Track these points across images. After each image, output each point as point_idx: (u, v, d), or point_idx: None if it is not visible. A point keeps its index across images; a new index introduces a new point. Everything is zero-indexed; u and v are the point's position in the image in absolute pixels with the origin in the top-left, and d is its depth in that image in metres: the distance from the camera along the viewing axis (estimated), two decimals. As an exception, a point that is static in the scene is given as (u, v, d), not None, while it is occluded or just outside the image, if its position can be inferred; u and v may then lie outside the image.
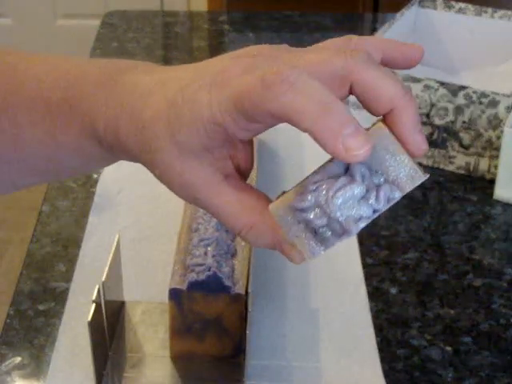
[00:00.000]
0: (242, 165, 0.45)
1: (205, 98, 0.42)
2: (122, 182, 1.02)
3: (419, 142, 0.41)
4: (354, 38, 0.44)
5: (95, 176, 1.04)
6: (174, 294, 0.73)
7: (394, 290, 0.88)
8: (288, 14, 1.61)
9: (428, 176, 0.41)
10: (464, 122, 1.06)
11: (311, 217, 0.41)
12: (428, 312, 0.85)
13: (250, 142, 0.45)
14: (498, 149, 1.03)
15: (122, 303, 0.83)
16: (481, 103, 1.04)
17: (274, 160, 1.08)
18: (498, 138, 1.04)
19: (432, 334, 0.82)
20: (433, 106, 1.07)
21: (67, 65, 0.49)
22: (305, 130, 0.39)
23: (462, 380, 0.77)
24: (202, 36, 1.59)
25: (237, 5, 2.30)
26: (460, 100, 1.05)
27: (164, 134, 0.43)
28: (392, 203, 0.41)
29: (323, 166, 0.42)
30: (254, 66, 0.42)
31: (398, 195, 0.41)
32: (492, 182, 1.04)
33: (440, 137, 1.08)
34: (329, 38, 0.45)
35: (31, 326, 0.82)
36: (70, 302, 0.84)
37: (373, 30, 1.52)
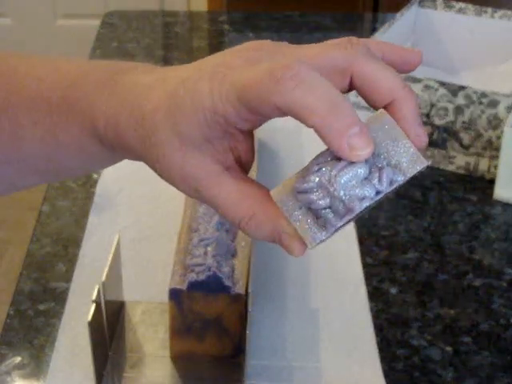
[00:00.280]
0: (243, 157, 0.45)
1: (206, 88, 0.42)
2: (122, 181, 1.02)
3: (420, 134, 0.42)
4: (353, 39, 0.44)
5: (95, 176, 1.04)
6: (174, 294, 0.73)
7: (394, 290, 0.88)
8: (288, 14, 1.61)
9: (430, 162, 0.42)
10: (464, 122, 1.06)
11: (314, 198, 0.41)
12: (428, 312, 0.85)
13: (251, 134, 0.45)
14: (498, 149, 1.03)
15: (122, 303, 0.83)
16: (481, 103, 1.04)
17: (274, 160, 1.08)
18: (498, 138, 1.04)
19: (432, 334, 0.82)
20: (433, 106, 1.07)
21: (67, 66, 0.50)
22: (311, 126, 0.40)
23: (462, 380, 0.77)
24: (202, 36, 1.59)
25: (237, 5, 2.30)
26: (460, 100, 1.05)
27: (164, 126, 0.43)
28: (395, 186, 0.41)
29: (325, 151, 0.42)
30: (256, 58, 0.42)
31: (400, 178, 0.41)
32: (492, 182, 1.04)
33: (440, 137, 1.08)
34: (329, 38, 0.45)
35: (31, 325, 0.82)
36: (69, 302, 0.84)
37: (373, 30, 1.51)
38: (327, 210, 0.41)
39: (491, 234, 0.98)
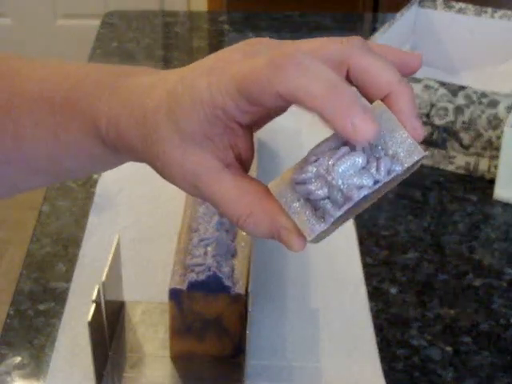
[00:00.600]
0: (243, 154, 0.45)
1: (204, 82, 0.42)
2: (122, 182, 1.02)
3: (416, 127, 0.42)
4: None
5: (95, 176, 1.04)
6: (174, 294, 0.73)
7: (394, 290, 0.88)
8: (288, 14, 1.61)
9: (427, 153, 0.42)
10: (464, 122, 1.06)
11: (312, 188, 0.41)
12: (428, 312, 0.85)
13: (251, 131, 0.45)
14: (498, 149, 1.03)
15: (122, 303, 0.83)
16: (481, 103, 1.04)
17: (274, 160, 1.08)
18: (498, 138, 1.04)
19: (432, 334, 0.82)
20: (433, 106, 1.07)
21: (69, 68, 0.50)
22: (314, 110, 0.40)
23: (461, 380, 0.77)
24: (202, 36, 1.59)
25: (237, 5, 2.30)
26: (460, 100, 1.05)
27: (165, 123, 0.43)
28: (392, 176, 0.41)
29: (322, 142, 0.43)
30: (255, 52, 0.43)
31: (398, 168, 0.42)
32: (492, 182, 1.04)
33: (440, 137, 1.08)
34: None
35: (31, 325, 0.82)
36: (69, 302, 0.84)
37: (373, 30, 1.51)
38: (325, 200, 0.42)
39: (491, 234, 0.98)
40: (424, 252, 0.94)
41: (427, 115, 1.07)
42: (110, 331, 0.77)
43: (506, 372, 0.78)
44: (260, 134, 1.07)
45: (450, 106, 1.06)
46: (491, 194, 1.04)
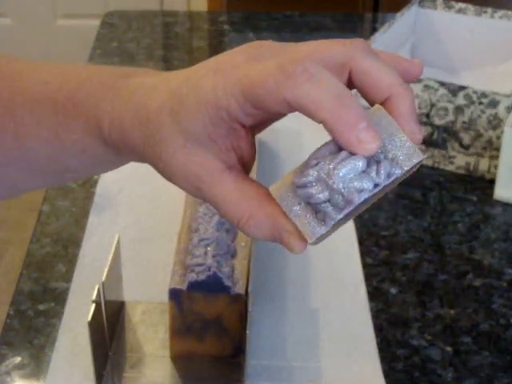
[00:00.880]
0: (245, 156, 0.45)
1: (209, 84, 0.42)
2: (121, 182, 1.02)
3: (415, 131, 0.42)
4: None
5: (95, 176, 1.04)
6: (174, 294, 0.73)
7: (394, 290, 0.88)
8: (288, 14, 1.61)
9: (426, 156, 0.42)
10: (464, 122, 1.06)
11: (313, 191, 0.42)
12: (428, 312, 0.85)
13: (253, 133, 0.46)
14: (498, 149, 1.03)
15: (122, 303, 0.83)
16: (481, 103, 1.04)
17: (274, 160, 1.08)
18: (498, 137, 1.04)
19: (432, 334, 0.82)
20: (433, 106, 1.07)
21: (72, 69, 0.50)
22: (320, 121, 0.40)
23: (461, 380, 0.77)
24: (202, 36, 1.59)
25: (237, 5, 2.30)
26: (460, 100, 1.05)
27: (169, 124, 0.43)
28: (392, 179, 0.42)
29: (323, 146, 0.43)
30: (258, 55, 0.43)
31: (398, 171, 0.42)
32: (492, 182, 1.04)
33: (440, 137, 1.08)
34: (329, 38, 0.46)
35: (31, 326, 0.82)
36: (69, 302, 0.84)
37: (373, 30, 1.52)
38: (326, 203, 0.42)
39: (491, 233, 0.98)
40: (424, 252, 0.94)
41: (427, 115, 1.07)
42: (110, 331, 0.77)
43: (506, 372, 0.78)
44: (260, 135, 1.06)
45: (450, 106, 1.06)
46: (491, 194, 1.04)
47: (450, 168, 1.09)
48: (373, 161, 0.42)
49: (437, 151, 1.09)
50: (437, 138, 1.08)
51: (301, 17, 1.60)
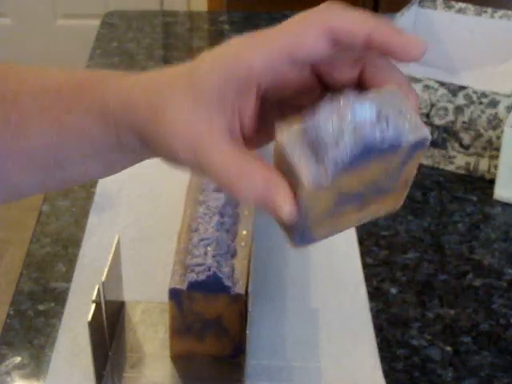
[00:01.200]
0: (247, 128, 0.46)
1: (231, 48, 0.45)
2: (121, 181, 1.02)
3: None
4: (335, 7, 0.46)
5: (95, 176, 1.04)
6: (174, 294, 0.73)
7: (394, 290, 0.88)
8: (288, 14, 1.61)
9: (430, 137, 0.43)
10: (464, 122, 1.06)
11: (323, 128, 0.42)
12: (428, 312, 0.85)
13: (261, 109, 0.46)
14: (498, 149, 1.03)
15: (122, 303, 0.83)
16: (481, 103, 1.04)
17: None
18: (498, 138, 1.04)
19: (432, 334, 0.82)
20: (433, 106, 1.07)
21: (79, 70, 0.52)
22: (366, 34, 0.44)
23: (461, 380, 0.77)
24: (202, 36, 1.59)
25: (237, 5, 2.30)
26: (460, 100, 1.05)
27: (181, 88, 0.45)
28: (397, 148, 0.42)
29: (328, 99, 0.44)
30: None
31: (405, 139, 0.42)
32: (492, 182, 1.04)
33: (440, 137, 1.08)
34: None
35: (31, 326, 0.82)
36: (69, 302, 0.84)
37: (373, 30, 1.51)
38: (333, 148, 0.41)
39: (491, 233, 0.98)
40: (424, 252, 0.94)
41: (427, 115, 1.07)
42: (110, 331, 0.77)
43: (506, 372, 0.78)
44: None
45: (450, 106, 1.06)
46: (491, 194, 1.04)
47: (450, 168, 1.09)
48: (383, 117, 0.42)
49: (437, 151, 1.09)
50: (437, 138, 1.08)
51: (301, 17, 1.60)
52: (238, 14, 1.65)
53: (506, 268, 0.92)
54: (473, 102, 1.04)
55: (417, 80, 1.06)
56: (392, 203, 0.47)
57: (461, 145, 1.07)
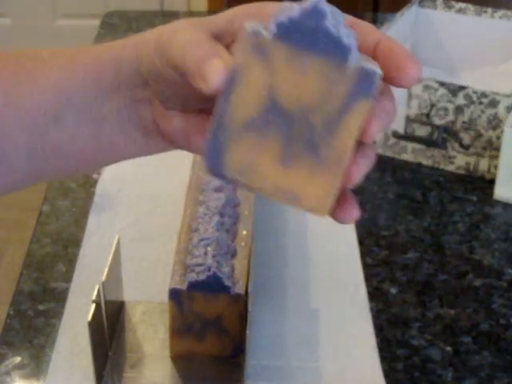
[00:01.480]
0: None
1: None
2: (121, 182, 1.02)
3: (411, 66, 0.43)
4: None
5: (95, 176, 1.04)
6: (174, 294, 0.73)
7: (394, 290, 0.88)
8: (288, 14, 1.61)
9: (381, 74, 0.41)
10: (464, 122, 1.06)
11: (283, 6, 0.41)
12: (428, 312, 0.85)
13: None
14: (498, 149, 1.03)
15: (122, 303, 0.83)
16: (481, 103, 1.04)
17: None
18: (498, 137, 1.04)
19: (432, 334, 0.82)
20: (433, 106, 1.07)
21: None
22: None
23: (461, 380, 0.77)
24: (202, 36, 1.59)
25: (237, 5, 2.30)
26: (460, 100, 1.05)
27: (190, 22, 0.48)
28: (342, 58, 0.40)
29: None
30: None
31: (353, 56, 0.40)
32: (492, 182, 1.04)
33: (440, 137, 1.08)
34: None
35: (31, 326, 0.82)
36: (69, 302, 0.84)
37: (373, 30, 1.51)
38: (285, 10, 0.41)
39: (491, 233, 0.98)
40: (424, 252, 0.94)
41: (427, 115, 1.07)
42: (110, 331, 0.77)
43: (506, 372, 0.78)
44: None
45: (450, 106, 1.06)
46: (491, 193, 1.04)
47: (450, 168, 1.09)
48: (342, 28, 0.41)
49: (437, 151, 1.09)
50: (437, 138, 1.08)
51: (301, 17, 1.60)
52: (238, 14, 1.65)
53: (506, 268, 0.92)
54: (473, 102, 1.04)
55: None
56: (317, 196, 0.42)
57: (461, 145, 1.07)
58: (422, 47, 1.27)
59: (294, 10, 0.40)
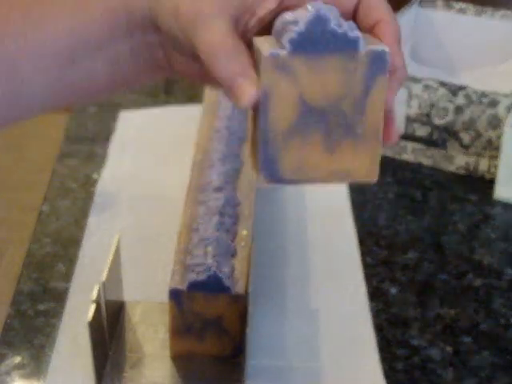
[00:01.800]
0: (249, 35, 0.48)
1: None
2: (121, 182, 1.02)
3: (395, 53, 0.47)
4: None
5: (95, 176, 1.04)
6: (174, 294, 0.73)
7: (394, 290, 0.88)
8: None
9: (388, 51, 0.46)
10: (464, 122, 1.06)
11: (285, 16, 0.46)
12: (428, 312, 0.85)
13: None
14: (498, 149, 1.03)
15: (122, 303, 0.83)
16: (481, 103, 1.04)
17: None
18: (498, 137, 1.04)
19: (432, 334, 0.82)
20: (433, 106, 1.07)
21: None
22: None
23: (461, 380, 0.77)
24: (202, 36, 1.59)
25: None
26: (460, 100, 1.05)
27: None
28: (353, 48, 0.45)
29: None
30: None
31: (361, 44, 0.45)
32: (492, 182, 1.04)
33: (440, 137, 1.08)
34: None
35: (31, 325, 0.82)
36: (69, 302, 0.84)
37: (373, 30, 1.51)
38: (291, 25, 0.45)
39: (491, 234, 0.98)
40: (424, 252, 0.94)
41: (427, 115, 1.07)
42: (109, 331, 0.77)
43: (506, 372, 0.78)
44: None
45: (450, 106, 1.06)
46: (491, 193, 1.04)
47: (450, 168, 1.09)
48: (344, 22, 0.45)
49: (437, 151, 1.09)
50: (437, 138, 1.08)
51: (301, 17, 1.60)
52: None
53: (506, 268, 0.92)
54: (473, 102, 1.04)
55: (417, 80, 1.06)
56: (366, 166, 0.48)
57: (461, 145, 1.07)
58: (422, 47, 1.27)
59: (299, 24, 0.44)
